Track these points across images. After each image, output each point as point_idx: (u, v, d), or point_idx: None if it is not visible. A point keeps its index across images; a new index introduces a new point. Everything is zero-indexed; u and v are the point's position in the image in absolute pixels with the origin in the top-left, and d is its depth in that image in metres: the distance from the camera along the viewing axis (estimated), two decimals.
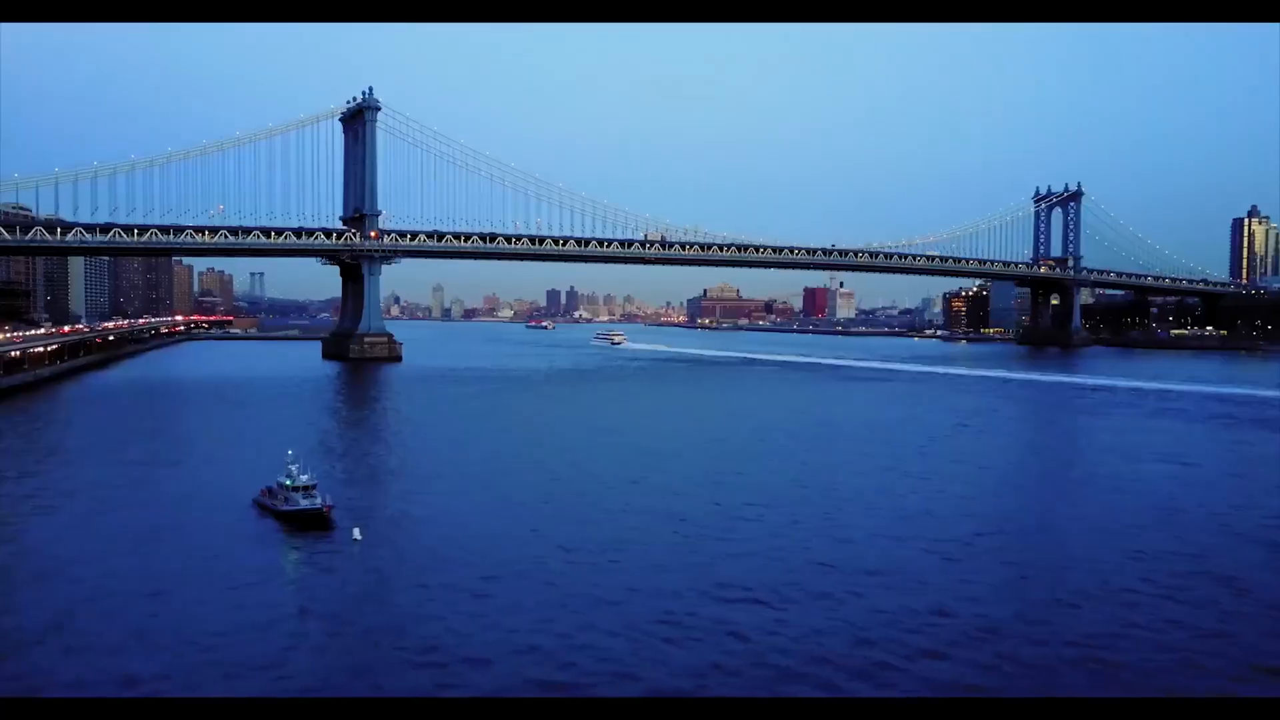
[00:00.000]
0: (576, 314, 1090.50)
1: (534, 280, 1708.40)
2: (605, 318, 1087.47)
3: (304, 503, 53.31)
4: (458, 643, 34.50)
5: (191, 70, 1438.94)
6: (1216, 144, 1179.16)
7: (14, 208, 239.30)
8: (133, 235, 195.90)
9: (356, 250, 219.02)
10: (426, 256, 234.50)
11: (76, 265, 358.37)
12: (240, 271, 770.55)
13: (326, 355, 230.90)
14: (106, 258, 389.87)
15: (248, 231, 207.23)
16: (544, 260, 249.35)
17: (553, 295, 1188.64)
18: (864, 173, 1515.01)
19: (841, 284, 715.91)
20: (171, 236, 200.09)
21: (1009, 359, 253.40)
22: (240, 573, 43.61)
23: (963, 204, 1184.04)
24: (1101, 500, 60.76)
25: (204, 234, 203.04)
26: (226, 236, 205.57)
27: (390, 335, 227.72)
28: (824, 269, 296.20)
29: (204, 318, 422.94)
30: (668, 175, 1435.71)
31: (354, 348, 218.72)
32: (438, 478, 70.37)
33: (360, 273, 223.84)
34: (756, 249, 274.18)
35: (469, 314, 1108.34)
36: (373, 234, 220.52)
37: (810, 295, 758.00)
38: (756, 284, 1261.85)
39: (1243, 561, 46.26)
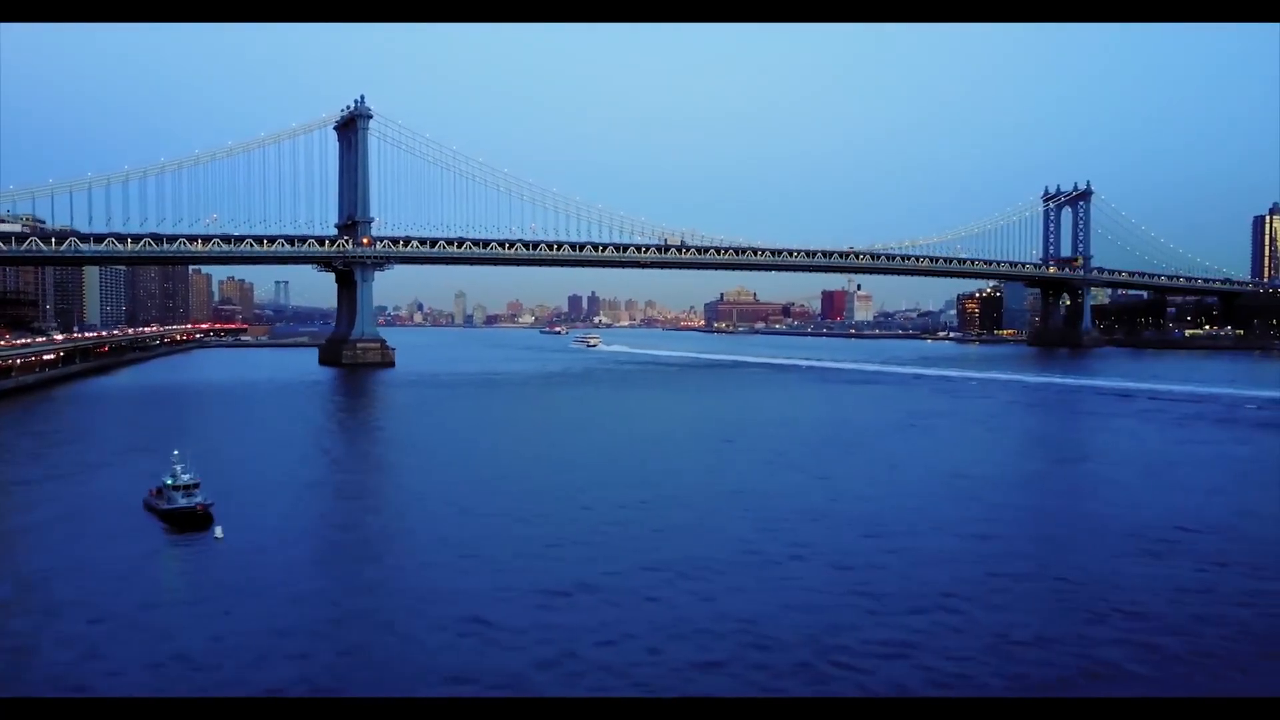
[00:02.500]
0: (596, 319, 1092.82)
1: (556, 285, 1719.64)
2: (626, 322, 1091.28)
3: (182, 501, 54.20)
4: (217, 648, 34.65)
5: (183, 76, 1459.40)
6: (1237, 142, 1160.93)
7: (28, 218, 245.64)
8: (126, 244, 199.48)
9: (349, 257, 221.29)
10: (419, 263, 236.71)
11: (91, 275, 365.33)
12: (265, 280, 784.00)
13: (323, 361, 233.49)
14: (123, 267, 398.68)
15: (240, 240, 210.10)
16: (538, 265, 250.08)
17: (574, 301, 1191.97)
18: (874, 175, 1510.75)
19: (859, 287, 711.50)
20: (165, 245, 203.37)
21: (1009, 360, 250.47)
22: (82, 572, 44.35)
23: (976, 206, 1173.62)
24: (978, 499, 59.74)
25: (197, 242, 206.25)
26: (219, 245, 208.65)
27: (383, 341, 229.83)
28: (819, 270, 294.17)
29: (220, 325, 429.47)
30: (672, 184, 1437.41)
31: (347, 353, 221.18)
32: (360, 478, 71.04)
33: (354, 279, 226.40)
34: (755, 251, 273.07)
35: (491, 320, 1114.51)
36: (365, 240, 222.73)
37: (829, 298, 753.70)
38: (774, 288, 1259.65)
39: (1092, 560, 45.41)
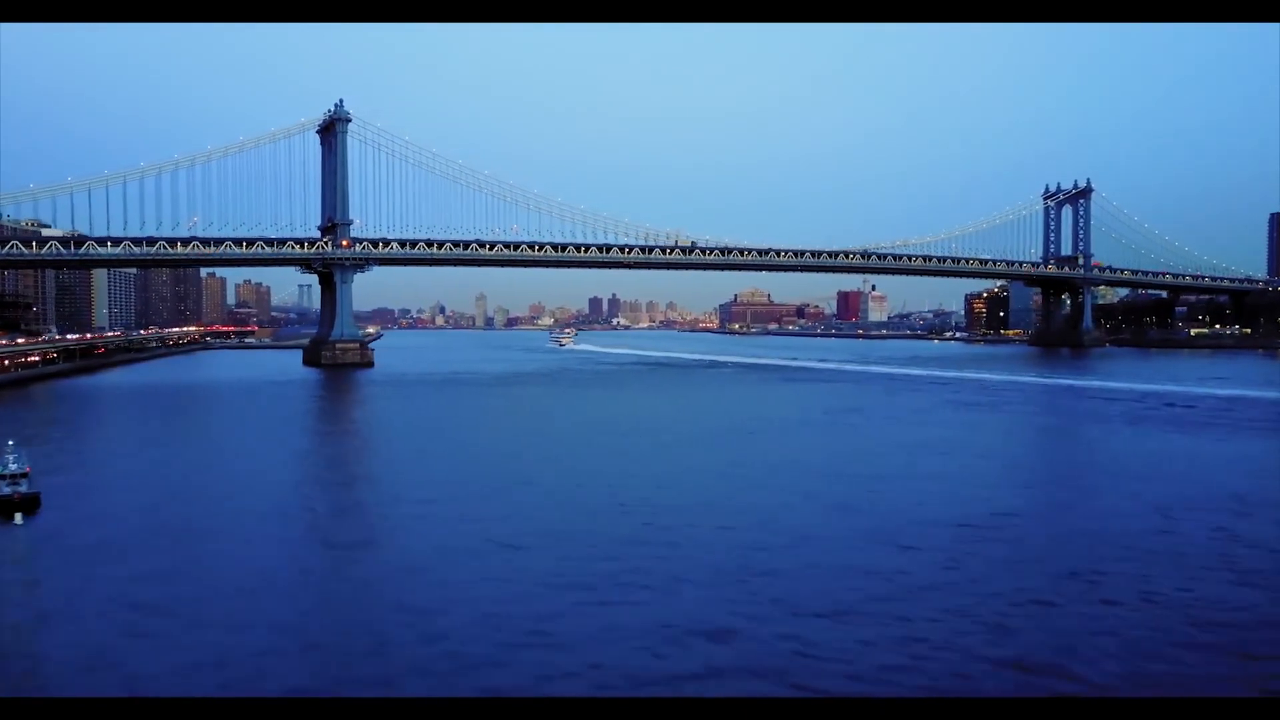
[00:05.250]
0: (616, 320, 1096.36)
1: (577, 287, 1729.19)
2: (645, 324, 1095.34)
3: (4, 490, 56.07)
4: None
5: (174, 76, 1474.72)
6: (1253, 138, 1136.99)
7: (32, 223, 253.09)
8: (106, 247, 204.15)
9: (327, 259, 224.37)
10: (397, 264, 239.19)
11: (99, 278, 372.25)
12: (289, 284, 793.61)
13: (306, 362, 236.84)
14: (133, 270, 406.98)
15: (220, 242, 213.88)
16: (519, 266, 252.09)
17: (595, 303, 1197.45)
18: (871, 175, 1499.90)
19: (874, 287, 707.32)
20: (145, 249, 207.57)
21: (996, 360, 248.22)
22: None
23: (978, 205, 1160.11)
24: (788, 489, 59.58)
25: (177, 245, 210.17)
26: (199, 248, 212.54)
27: (362, 342, 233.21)
28: (805, 270, 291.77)
29: (227, 328, 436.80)
30: (664, 185, 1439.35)
31: (326, 354, 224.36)
32: (247, 469, 72.37)
33: (334, 281, 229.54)
34: (742, 252, 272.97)
35: (511, 322, 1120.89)
36: (344, 243, 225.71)
37: (843, 299, 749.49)
38: (789, 288, 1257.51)
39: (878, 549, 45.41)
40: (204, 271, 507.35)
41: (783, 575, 39.81)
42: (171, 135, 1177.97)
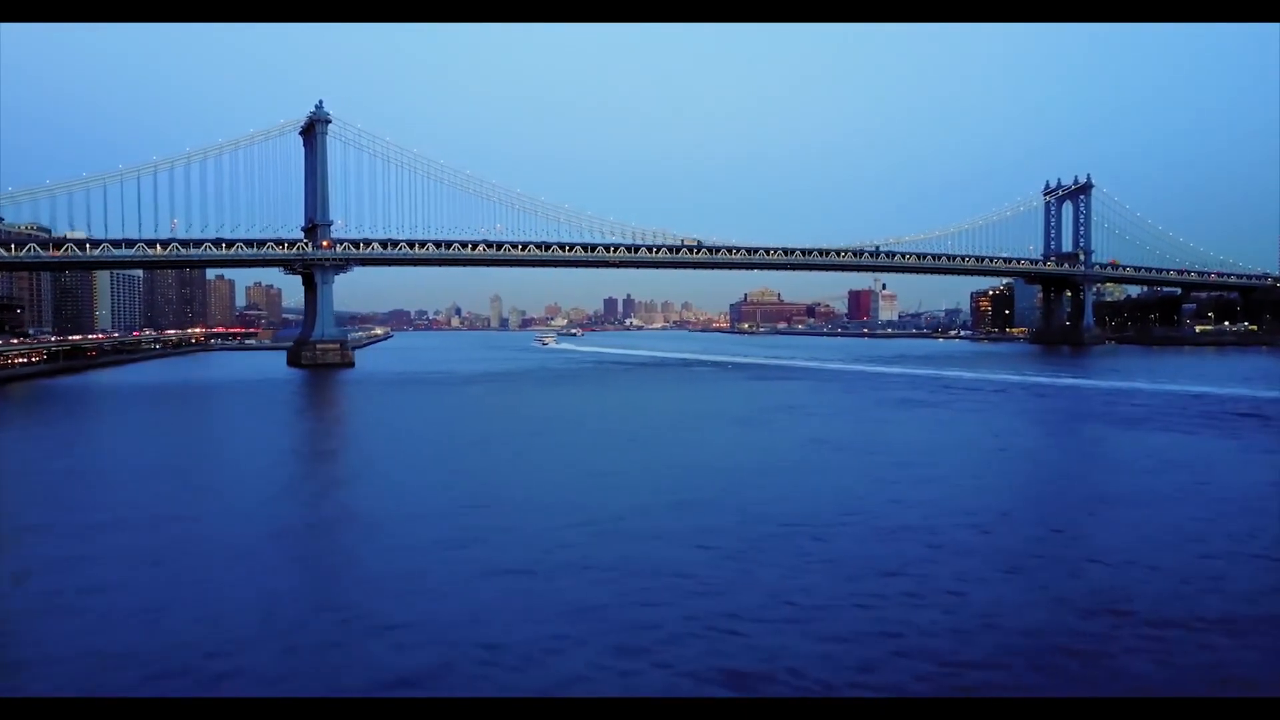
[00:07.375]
0: (629, 321, 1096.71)
1: (593, 287, 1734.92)
2: (660, 324, 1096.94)
3: None
4: None
5: (163, 78, 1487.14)
6: (1259, 133, 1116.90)
7: (35, 227, 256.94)
8: (86, 249, 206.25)
9: (307, 259, 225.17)
10: (378, 264, 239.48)
11: (103, 281, 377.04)
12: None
13: (289, 362, 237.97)
14: (139, 273, 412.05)
15: (199, 244, 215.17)
16: (502, 265, 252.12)
17: (610, 303, 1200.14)
18: (870, 175, 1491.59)
19: (884, 286, 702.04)
20: (124, 250, 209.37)
21: (986, 358, 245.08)
22: None
23: (980, 204, 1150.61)
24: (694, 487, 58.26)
25: (156, 246, 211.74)
26: (178, 249, 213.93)
27: (343, 342, 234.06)
28: (792, 269, 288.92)
29: (235, 330, 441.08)
30: (657, 184, 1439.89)
31: (306, 354, 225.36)
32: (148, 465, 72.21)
33: (315, 281, 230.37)
34: (730, 250, 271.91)
35: (526, 323, 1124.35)
36: (324, 243, 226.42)
37: (854, 298, 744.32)
38: (800, 288, 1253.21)
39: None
40: (211, 274, 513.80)
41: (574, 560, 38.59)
42: (169, 133, 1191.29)
